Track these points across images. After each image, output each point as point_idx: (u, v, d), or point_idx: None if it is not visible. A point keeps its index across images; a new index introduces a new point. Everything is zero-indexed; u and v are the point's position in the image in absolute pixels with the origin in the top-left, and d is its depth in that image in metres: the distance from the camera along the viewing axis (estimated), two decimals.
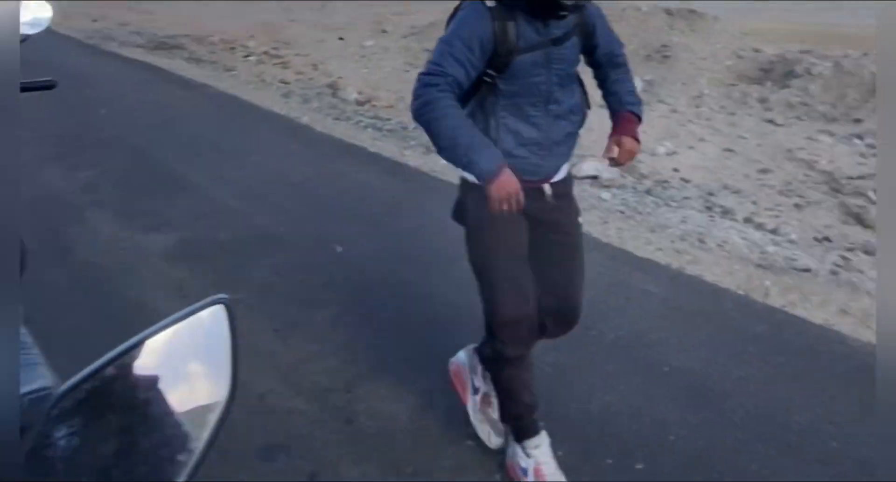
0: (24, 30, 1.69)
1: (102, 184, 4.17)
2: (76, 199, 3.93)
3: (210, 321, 0.71)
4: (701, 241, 3.41)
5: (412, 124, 5.39)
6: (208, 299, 0.72)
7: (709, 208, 3.85)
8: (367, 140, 5.02)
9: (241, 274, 3.07)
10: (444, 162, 5.29)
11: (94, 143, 4.96)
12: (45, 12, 1.76)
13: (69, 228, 3.56)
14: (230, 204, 3.84)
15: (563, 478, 1.84)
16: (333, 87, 6.66)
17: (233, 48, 8.94)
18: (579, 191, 3.99)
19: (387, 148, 4.82)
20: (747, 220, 3.69)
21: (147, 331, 0.66)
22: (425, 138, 5.54)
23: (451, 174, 4.30)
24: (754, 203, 3.94)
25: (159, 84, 6.97)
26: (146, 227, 3.55)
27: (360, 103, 6.11)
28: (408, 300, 2.82)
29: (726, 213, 3.79)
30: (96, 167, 4.43)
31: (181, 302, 2.79)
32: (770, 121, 5.55)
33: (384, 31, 9.65)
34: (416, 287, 2.92)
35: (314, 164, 4.46)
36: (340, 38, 9.43)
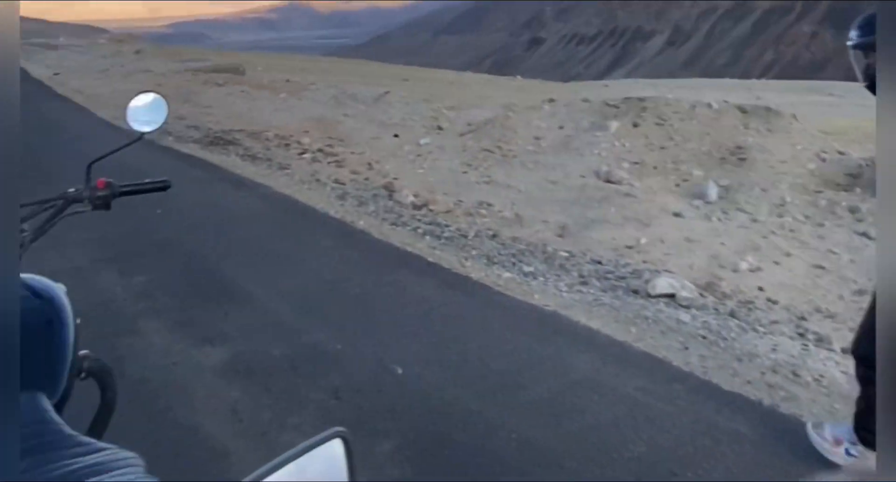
0: (140, 127, 1.73)
1: (155, 291, 4.42)
2: (129, 308, 4.17)
3: (328, 455, 0.76)
4: (795, 374, 3.36)
5: (472, 232, 5.58)
6: (326, 432, 0.76)
7: (801, 335, 3.81)
8: (425, 249, 5.21)
9: (296, 396, 3.16)
10: (507, 274, 5.44)
11: (149, 246, 5.29)
12: (161, 112, 1.79)
13: (121, 339, 3.76)
14: (284, 317, 4.00)
15: None
16: (390, 189, 6.99)
17: (287, 144, 9.54)
18: (654, 311, 4.02)
19: (446, 258, 4.98)
20: (846, 351, 3.62)
21: (265, 468, 0.70)
22: (486, 248, 5.58)
23: (516, 289, 4.42)
24: (852, 329, 3.87)
25: (213, 183, 7.45)
26: (199, 339, 3.72)
27: (416, 207, 6.38)
28: (473, 433, 2.85)
29: (821, 340, 3.73)
30: (150, 272, 4.72)
31: (234, 426, 2.89)
32: (863, 234, 5.52)
33: (440, 128, 10.16)
34: (482, 417, 2.95)
35: (372, 275, 4.64)
36: (395, 135, 9.97)
